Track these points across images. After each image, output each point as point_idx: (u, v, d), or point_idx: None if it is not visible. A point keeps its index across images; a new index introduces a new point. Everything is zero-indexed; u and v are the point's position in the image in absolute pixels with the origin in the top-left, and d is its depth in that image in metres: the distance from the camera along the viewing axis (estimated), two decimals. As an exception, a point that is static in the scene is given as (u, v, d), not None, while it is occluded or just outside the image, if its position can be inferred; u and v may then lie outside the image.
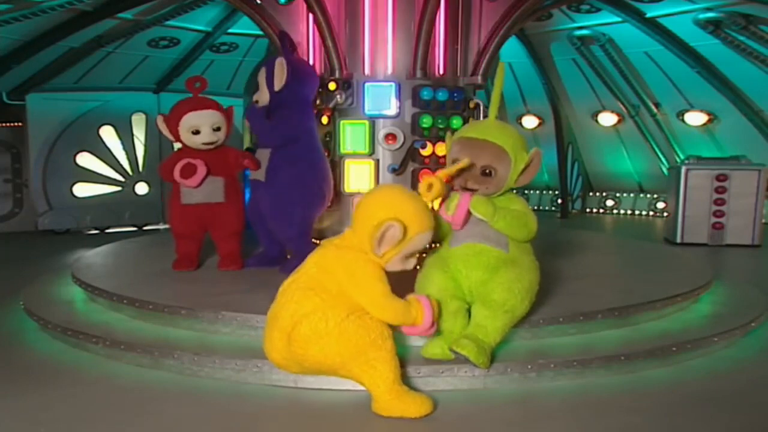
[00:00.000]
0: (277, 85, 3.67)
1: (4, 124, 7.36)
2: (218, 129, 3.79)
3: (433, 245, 2.74)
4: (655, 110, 8.69)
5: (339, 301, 2.31)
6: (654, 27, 7.30)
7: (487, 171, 2.59)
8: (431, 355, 2.68)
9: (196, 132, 3.74)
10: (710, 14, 6.84)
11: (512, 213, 2.61)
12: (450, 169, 2.58)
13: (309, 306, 2.29)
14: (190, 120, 3.73)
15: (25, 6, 5.49)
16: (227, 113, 3.89)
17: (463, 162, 2.57)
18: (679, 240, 6.78)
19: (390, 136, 4.16)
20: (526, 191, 10.27)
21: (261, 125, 3.79)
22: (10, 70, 6.70)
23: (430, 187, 2.47)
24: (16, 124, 7.31)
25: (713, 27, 6.94)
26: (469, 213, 2.63)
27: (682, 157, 8.53)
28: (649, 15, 7.19)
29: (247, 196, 4.16)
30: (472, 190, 2.63)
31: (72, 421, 2.36)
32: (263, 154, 3.74)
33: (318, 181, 3.79)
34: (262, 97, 3.75)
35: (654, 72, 8.22)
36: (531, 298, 2.64)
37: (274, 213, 3.72)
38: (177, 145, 3.92)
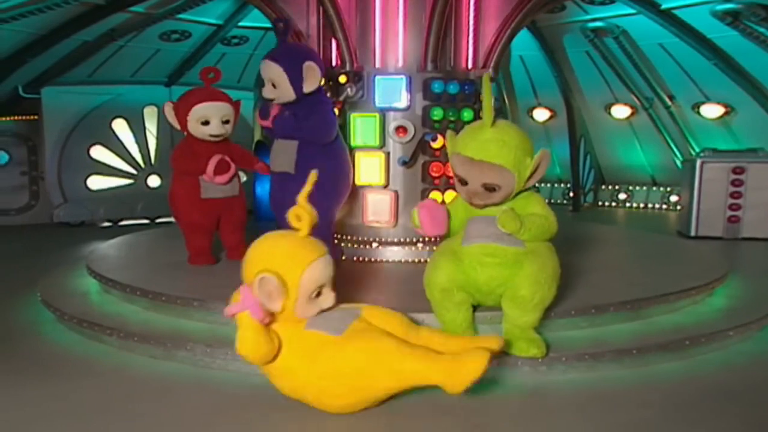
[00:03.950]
0: (310, 88, 3.66)
1: (20, 117, 7.43)
2: (227, 122, 3.79)
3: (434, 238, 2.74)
4: (669, 102, 8.56)
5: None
6: (669, 19, 7.16)
7: (490, 188, 2.57)
8: None
9: (206, 123, 3.73)
10: (729, 5, 6.68)
11: (537, 223, 2.59)
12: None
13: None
14: (200, 111, 3.73)
15: (39, 0, 5.54)
16: (236, 106, 3.89)
17: None
18: (693, 233, 6.70)
19: (400, 129, 4.15)
20: (537, 184, 10.16)
21: (298, 125, 3.69)
22: (26, 64, 6.75)
23: (299, 218, 2.34)
24: (32, 117, 7.38)
25: (731, 18, 6.79)
26: (440, 216, 2.67)
27: (697, 149, 8.40)
28: (664, 6, 7.05)
29: (258, 188, 4.18)
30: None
31: (86, 411, 2.39)
32: (288, 146, 3.72)
33: (345, 172, 3.91)
34: (283, 95, 3.68)
35: (669, 64, 8.08)
36: (557, 282, 2.67)
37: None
38: None
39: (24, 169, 7.53)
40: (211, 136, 3.77)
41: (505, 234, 2.59)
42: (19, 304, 3.96)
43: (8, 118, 7.38)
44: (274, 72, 3.66)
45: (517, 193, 2.68)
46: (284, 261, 2.20)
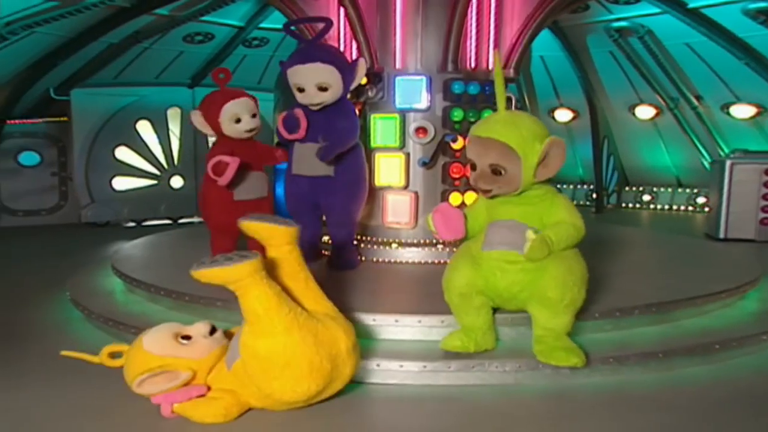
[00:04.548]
0: (356, 84, 3.72)
1: (51, 119, 7.61)
2: (255, 116, 3.79)
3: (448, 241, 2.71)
4: (696, 103, 8.37)
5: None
6: (697, 18, 6.99)
7: (496, 170, 2.50)
8: (451, 348, 2.66)
9: (238, 120, 3.73)
10: (762, 4, 6.48)
11: (564, 236, 2.48)
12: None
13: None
14: (231, 109, 3.71)
15: (70, 3, 5.69)
16: (254, 98, 3.88)
17: None
18: (722, 236, 6.54)
19: (421, 130, 4.14)
20: (559, 185, 10.07)
21: (333, 128, 3.63)
22: (57, 66, 6.93)
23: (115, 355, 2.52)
24: (62, 118, 7.56)
25: (765, 17, 6.60)
26: (456, 219, 2.61)
27: (726, 150, 8.20)
28: (691, 6, 6.89)
29: (278, 189, 4.19)
30: (486, 191, 2.56)
31: (112, 407, 2.44)
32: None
33: (367, 174, 3.95)
34: (334, 97, 3.63)
35: (696, 64, 7.89)
36: (586, 286, 2.61)
37: (341, 207, 3.79)
38: (210, 139, 3.95)
39: (54, 170, 7.72)
40: (246, 132, 3.76)
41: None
42: (50, 302, 4.06)
43: (40, 120, 7.59)
44: (327, 74, 3.56)
45: (525, 190, 2.54)
46: (135, 363, 2.35)
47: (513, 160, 2.46)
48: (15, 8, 5.56)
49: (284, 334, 2.17)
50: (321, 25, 3.78)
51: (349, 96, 4.18)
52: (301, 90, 3.62)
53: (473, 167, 2.59)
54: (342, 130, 3.66)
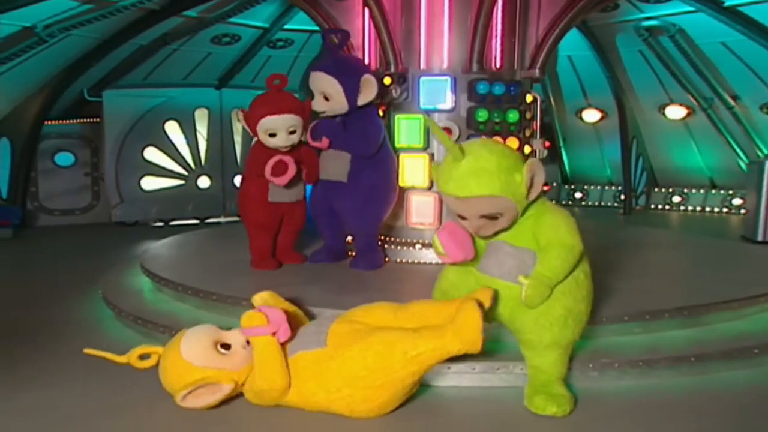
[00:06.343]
0: (365, 101, 3.69)
1: (85, 120, 7.84)
2: (293, 132, 3.70)
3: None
4: (732, 103, 8.12)
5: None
6: (734, 16, 6.76)
7: (491, 217, 2.35)
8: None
9: (273, 135, 3.68)
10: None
11: (559, 264, 2.30)
12: None
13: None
14: (267, 124, 3.65)
15: (104, 6, 5.86)
16: (304, 109, 3.77)
17: None
18: (760, 238, 6.32)
19: (445, 131, 4.11)
20: (586, 186, 9.90)
21: (347, 137, 3.71)
22: (90, 68, 7.13)
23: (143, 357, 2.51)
24: (95, 119, 7.77)
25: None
26: (464, 238, 2.45)
27: (765, 151, 7.94)
28: (728, 4, 6.68)
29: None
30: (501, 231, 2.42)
31: (142, 404, 2.50)
32: (341, 156, 3.76)
33: (393, 180, 3.96)
34: (336, 107, 3.67)
35: (732, 63, 7.64)
36: (576, 321, 2.40)
37: (354, 212, 3.81)
38: (237, 139, 3.95)
39: (87, 170, 7.94)
40: (280, 147, 3.70)
41: (513, 267, 2.38)
42: (83, 300, 4.16)
43: (75, 121, 7.82)
44: (328, 84, 3.63)
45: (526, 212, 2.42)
46: (175, 372, 2.35)
47: (502, 204, 2.33)
48: (53, 11, 5.74)
49: (409, 367, 2.19)
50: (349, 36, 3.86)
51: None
52: (312, 96, 3.74)
53: (462, 218, 2.41)
54: (351, 144, 3.73)
